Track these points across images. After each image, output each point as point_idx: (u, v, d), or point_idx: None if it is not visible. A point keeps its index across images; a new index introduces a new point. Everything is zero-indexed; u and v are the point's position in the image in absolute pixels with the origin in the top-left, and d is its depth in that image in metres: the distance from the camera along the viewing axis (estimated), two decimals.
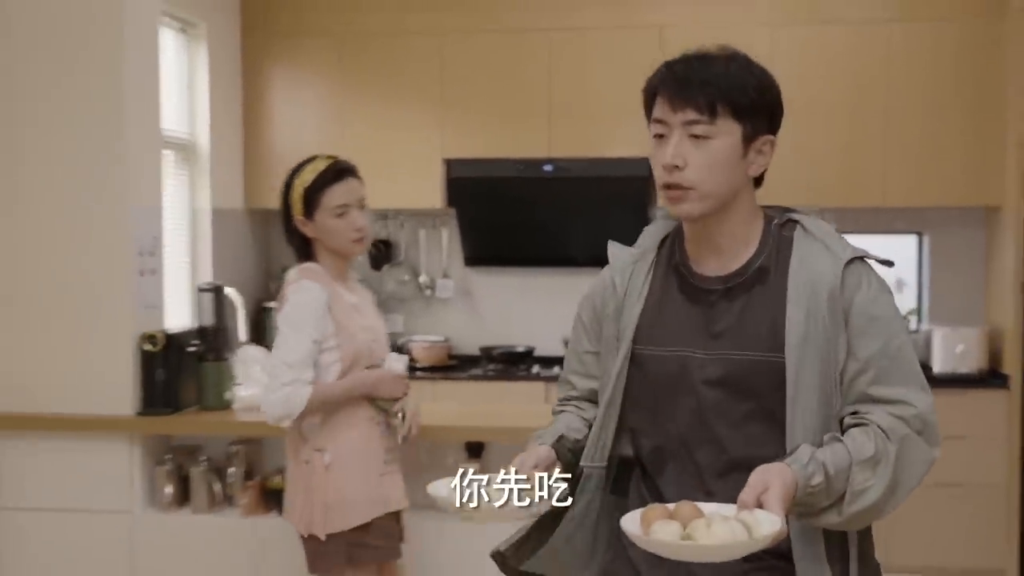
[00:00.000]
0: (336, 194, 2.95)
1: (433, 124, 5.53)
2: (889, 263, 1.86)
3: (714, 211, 1.80)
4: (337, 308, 2.92)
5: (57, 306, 3.36)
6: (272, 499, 3.36)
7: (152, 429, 3.40)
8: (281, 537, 3.33)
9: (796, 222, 1.87)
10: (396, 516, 2.97)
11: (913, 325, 5.62)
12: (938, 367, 5.24)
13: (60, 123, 3.39)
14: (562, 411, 2.03)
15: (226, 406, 3.46)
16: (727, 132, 1.77)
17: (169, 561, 3.41)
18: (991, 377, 5.22)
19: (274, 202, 5.61)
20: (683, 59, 1.83)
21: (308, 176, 3.00)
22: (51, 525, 3.40)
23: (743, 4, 5.43)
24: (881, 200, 5.36)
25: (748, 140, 1.80)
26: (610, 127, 5.37)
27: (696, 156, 1.76)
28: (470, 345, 5.83)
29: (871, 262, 1.84)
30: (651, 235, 1.98)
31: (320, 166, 3.00)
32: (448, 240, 5.86)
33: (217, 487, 3.40)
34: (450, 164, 5.53)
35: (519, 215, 5.63)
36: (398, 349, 5.63)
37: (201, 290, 3.52)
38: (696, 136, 1.76)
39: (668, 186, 1.79)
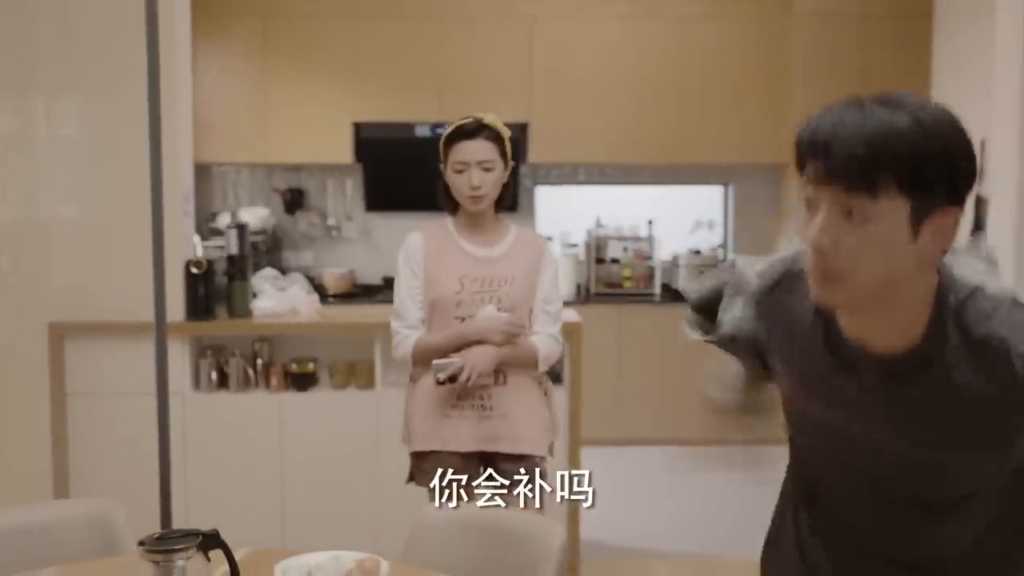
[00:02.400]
0: (458, 151, 3.05)
1: (345, 93, 6.63)
2: None
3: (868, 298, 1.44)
4: (432, 257, 3.12)
5: (127, 239, 4.37)
6: (292, 380, 4.52)
7: (197, 331, 4.49)
8: (301, 409, 4.52)
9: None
10: (466, 457, 3.11)
11: (721, 256, 7.20)
12: None
13: (134, 99, 4.35)
14: None
15: (248, 314, 4.57)
16: (891, 211, 1.37)
17: (213, 430, 4.50)
18: None
19: (203, 157, 6.76)
20: (834, 112, 1.43)
21: (448, 130, 3.14)
22: (119, 406, 4.43)
23: (601, 1, 6.67)
24: (698, 157, 6.84)
25: (920, 218, 1.38)
26: (490, 97, 6.58)
27: (850, 239, 1.39)
28: (372, 276, 7.01)
29: None
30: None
31: (459, 123, 3.11)
32: (352, 189, 7.00)
33: (250, 372, 4.53)
34: (359, 126, 6.67)
35: (413, 168, 6.76)
36: (311, 280, 6.74)
37: (228, 227, 4.59)
38: (851, 214, 1.38)
39: (815, 267, 1.43)
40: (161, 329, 3.06)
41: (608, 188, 7.15)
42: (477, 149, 3.06)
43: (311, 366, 4.54)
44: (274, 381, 4.51)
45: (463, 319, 3.09)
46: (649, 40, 6.68)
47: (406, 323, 3.16)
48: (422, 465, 3.17)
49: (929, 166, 1.38)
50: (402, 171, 6.81)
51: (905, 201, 1.38)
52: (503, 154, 3.12)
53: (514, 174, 3.23)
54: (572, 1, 6.68)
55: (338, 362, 4.58)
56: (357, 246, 7.08)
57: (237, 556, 2.09)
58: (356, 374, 4.56)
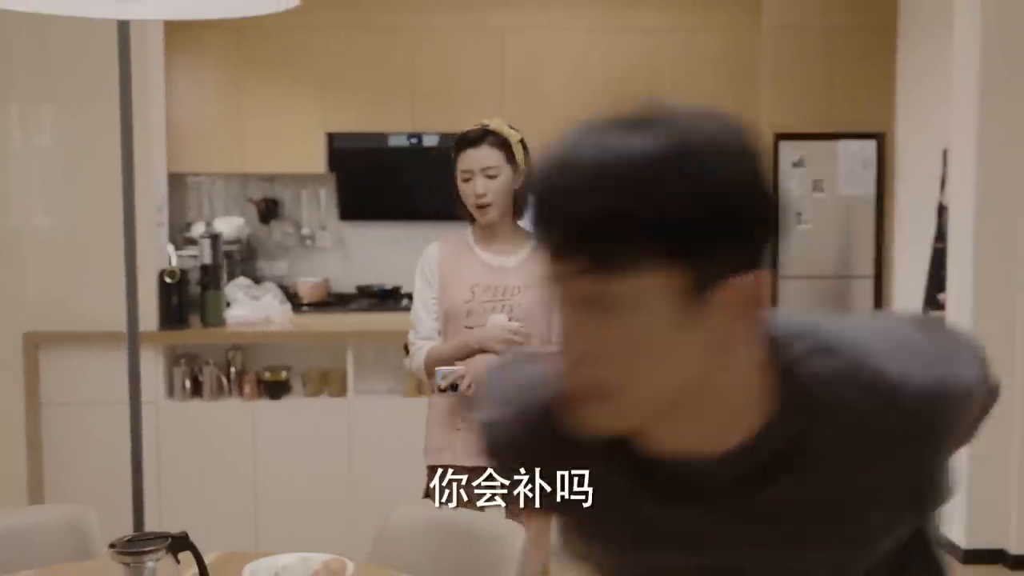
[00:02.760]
0: (464, 160, 2.97)
1: (317, 103, 6.68)
2: None
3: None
4: (447, 267, 3.05)
5: (100, 248, 4.42)
6: (265, 388, 4.57)
7: (170, 340, 4.54)
8: (274, 417, 4.57)
9: None
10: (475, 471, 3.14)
11: None
12: None
13: (107, 109, 4.40)
14: None
15: (222, 323, 4.63)
16: (652, 289, 0.92)
17: (187, 439, 4.56)
18: None
19: (177, 167, 6.80)
20: (562, 146, 0.97)
21: (457, 139, 3.04)
22: (93, 415, 4.47)
23: (569, 13, 6.77)
24: None
25: (701, 292, 0.93)
26: (460, 107, 6.64)
27: (605, 337, 0.94)
28: (346, 285, 7.05)
29: None
30: None
31: (465, 131, 3.02)
32: (325, 198, 7.06)
33: (223, 381, 4.58)
34: (332, 136, 6.73)
35: (386, 177, 6.87)
36: (285, 289, 6.80)
37: (202, 237, 4.65)
38: (598, 302, 0.93)
39: (570, 388, 0.99)
40: (134, 339, 3.11)
41: None
42: (481, 156, 2.95)
43: (284, 374, 4.60)
44: (247, 389, 4.57)
45: (474, 328, 3.00)
46: (618, 52, 6.76)
47: (420, 334, 3.11)
48: (433, 479, 3.04)
49: (702, 216, 0.91)
50: (376, 180, 6.87)
51: (672, 273, 0.91)
52: (511, 159, 2.98)
53: None
54: (542, 13, 6.76)
55: (311, 370, 4.64)
56: (331, 255, 7.13)
57: (207, 559, 2.14)
58: (329, 382, 4.62)
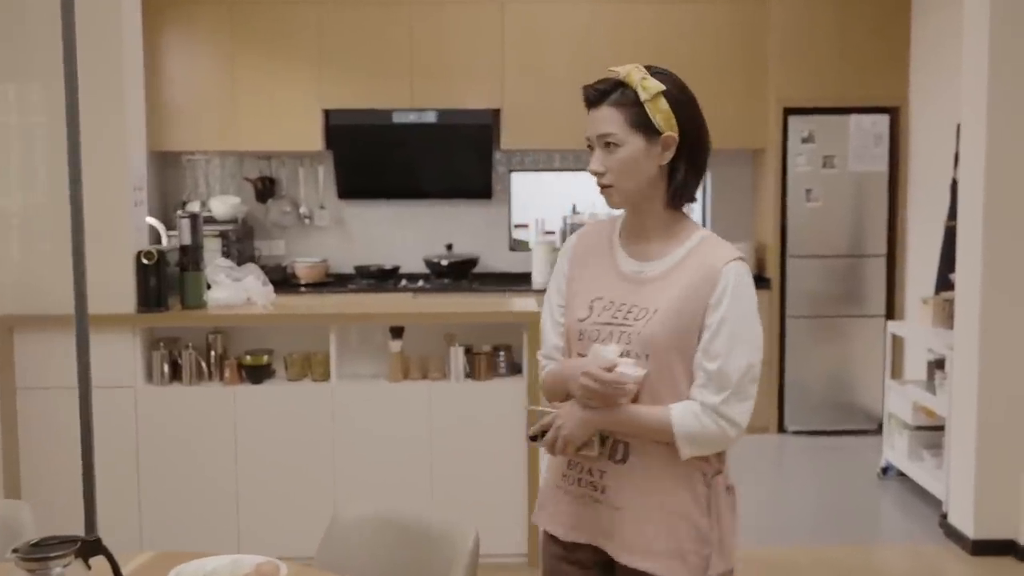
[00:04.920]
0: (589, 123, 2.15)
1: (313, 80, 6.52)
2: None
3: None
4: (578, 266, 2.26)
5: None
6: (246, 373, 4.44)
7: (148, 323, 4.40)
8: (255, 402, 4.44)
9: None
10: (572, 549, 2.23)
11: None
12: None
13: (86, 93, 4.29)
14: None
15: (202, 305, 4.49)
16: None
17: (166, 424, 4.43)
18: (757, 280, 6.76)
19: (171, 145, 6.67)
20: None
21: None
22: (70, 400, 4.35)
23: None
24: None
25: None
26: (461, 82, 6.52)
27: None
28: (345, 264, 6.92)
29: None
30: None
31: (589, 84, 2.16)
32: (324, 177, 6.91)
33: (203, 365, 4.45)
34: (329, 113, 6.58)
35: (385, 155, 6.72)
36: (283, 269, 6.67)
37: (181, 217, 4.51)
38: None
39: None
40: (83, 322, 2.98)
41: (584, 174, 7.00)
42: (598, 119, 2.11)
43: (266, 358, 4.47)
44: (228, 373, 4.43)
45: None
46: (623, 23, 6.57)
47: (543, 351, 2.32)
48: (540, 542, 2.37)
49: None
50: (375, 158, 6.72)
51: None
52: (642, 124, 2.08)
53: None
54: None
55: (294, 354, 4.50)
56: (330, 235, 6.99)
57: (137, 561, 2.02)
58: (312, 366, 4.48)
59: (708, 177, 7.10)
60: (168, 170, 6.85)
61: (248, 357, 4.45)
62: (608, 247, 2.23)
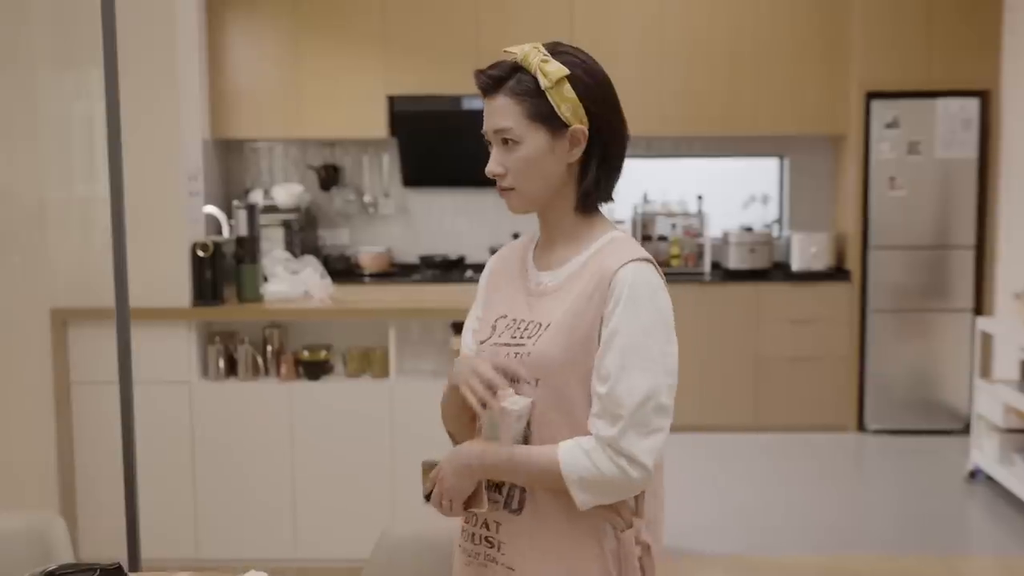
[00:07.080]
0: (485, 115, 1.83)
1: (378, 66, 6.39)
2: None
3: None
4: (493, 284, 1.95)
5: (131, 222, 4.20)
6: (303, 368, 4.31)
7: (204, 316, 4.29)
8: (312, 399, 4.31)
9: None
10: None
11: (776, 232, 6.84)
12: (796, 265, 6.47)
13: (139, 78, 4.15)
14: None
15: (259, 298, 4.37)
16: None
17: (221, 420, 4.33)
18: (837, 272, 6.48)
19: (233, 133, 6.58)
20: None
21: None
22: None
23: None
24: (752, 129, 6.50)
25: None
26: None
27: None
28: (409, 254, 6.79)
29: None
30: None
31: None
32: (388, 164, 6.77)
33: (259, 360, 4.33)
34: (393, 100, 6.43)
35: (450, 143, 6.56)
36: (347, 259, 6.54)
37: (237, 208, 4.39)
38: None
39: None
40: (123, 314, 2.90)
41: (655, 162, 6.81)
42: (493, 111, 1.80)
43: (324, 353, 4.33)
44: (284, 369, 4.30)
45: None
46: (696, 6, 6.32)
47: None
48: None
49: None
50: (440, 145, 6.57)
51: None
52: (544, 116, 1.77)
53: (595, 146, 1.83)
54: None
55: (352, 349, 4.36)
56: (394, 223, 6.86)
57: None
58: (371, 362, 4.33)
59: (784, 166, 6.83)
60: (231, 158, 6.76)
61: (305, 352, 4.32)
62: (521, 263, 1.90)
